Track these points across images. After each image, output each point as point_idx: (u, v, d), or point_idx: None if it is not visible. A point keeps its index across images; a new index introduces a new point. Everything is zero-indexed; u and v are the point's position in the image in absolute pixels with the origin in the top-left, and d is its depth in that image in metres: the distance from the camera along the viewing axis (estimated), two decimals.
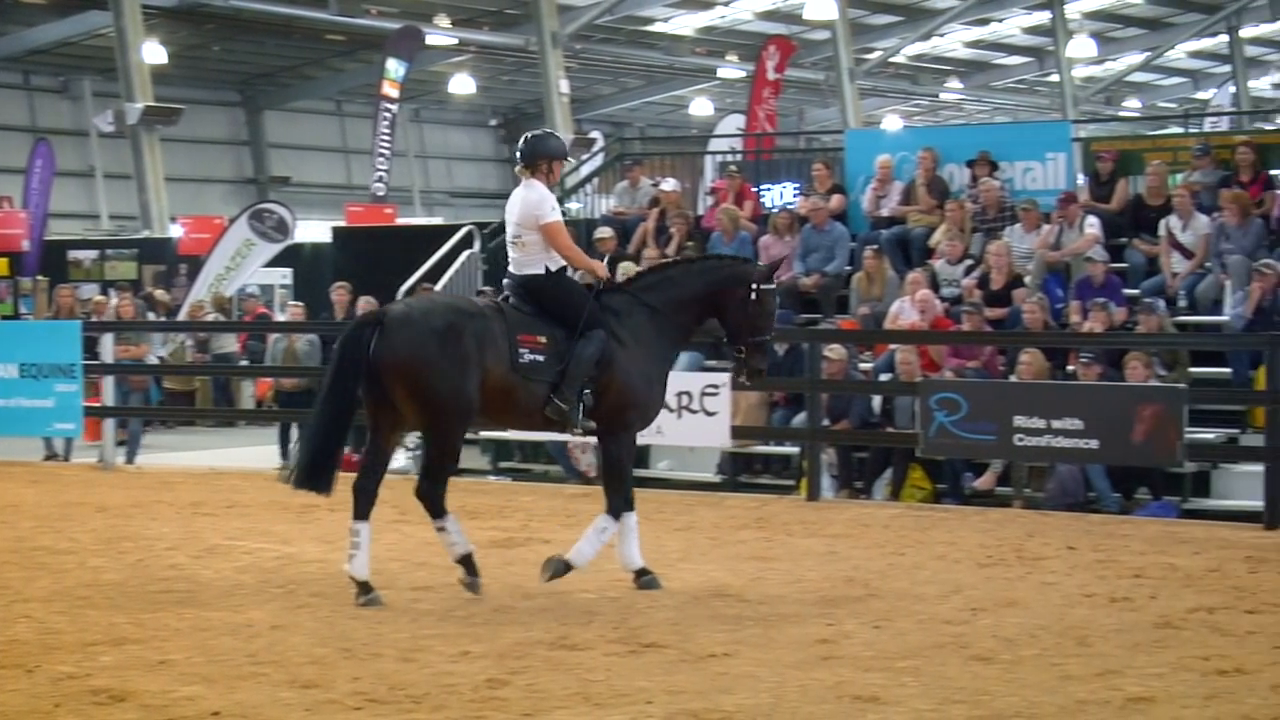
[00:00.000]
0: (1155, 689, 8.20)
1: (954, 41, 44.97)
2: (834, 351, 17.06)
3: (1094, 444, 14.88)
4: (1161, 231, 18.70)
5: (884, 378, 17.66)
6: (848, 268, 20.33)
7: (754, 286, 11.29)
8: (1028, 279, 18.46)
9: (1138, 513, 15.75)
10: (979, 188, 20.18)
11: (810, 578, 11.52)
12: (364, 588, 10.50)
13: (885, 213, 20.95)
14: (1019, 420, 15.10)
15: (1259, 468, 14.96)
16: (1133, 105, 50.84)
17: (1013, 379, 16.66)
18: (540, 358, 10.81)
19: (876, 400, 17.73)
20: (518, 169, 11.36)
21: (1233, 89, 41.51)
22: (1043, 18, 40.24)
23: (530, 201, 11.08)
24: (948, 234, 19.70)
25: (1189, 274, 18.32)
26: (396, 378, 10.49)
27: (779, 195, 24.43)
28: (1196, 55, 48.40)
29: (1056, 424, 14.94)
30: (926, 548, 13.05)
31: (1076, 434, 14.88)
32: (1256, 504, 14.75)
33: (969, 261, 19.15)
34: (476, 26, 42.27)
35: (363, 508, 10.58)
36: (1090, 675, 8.52)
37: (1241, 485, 16.10)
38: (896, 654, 9.04)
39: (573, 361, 10.81)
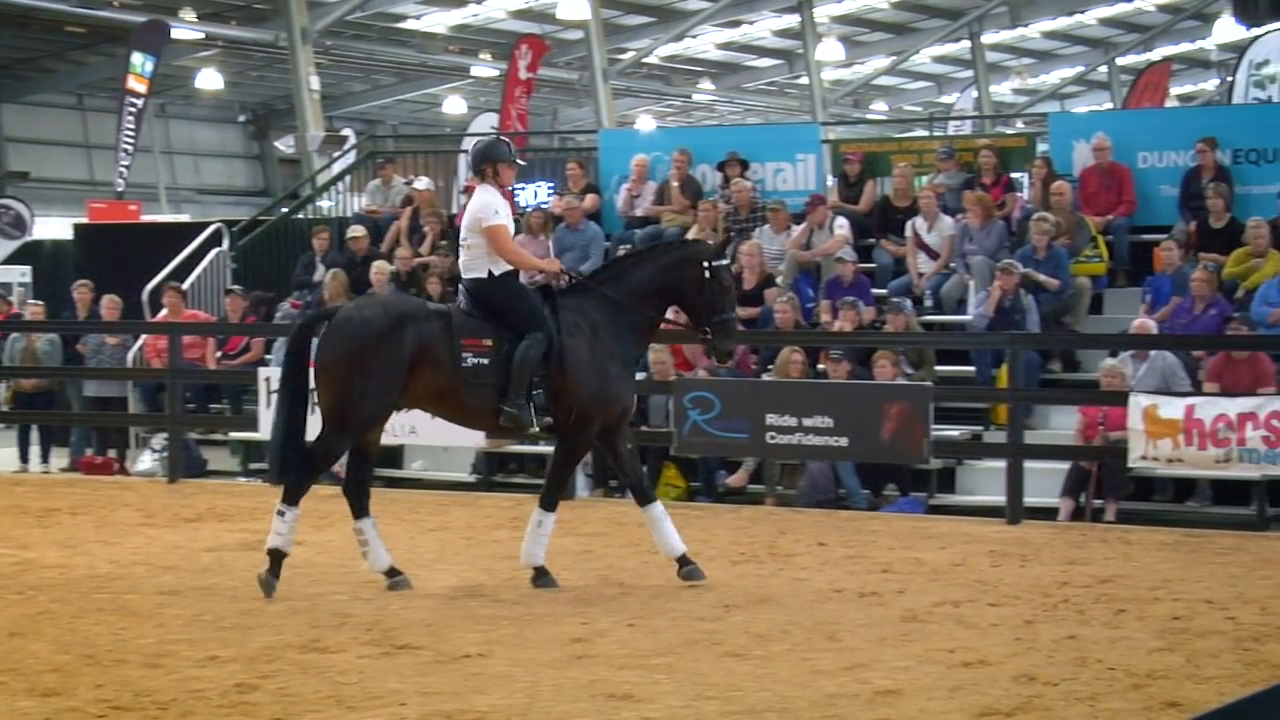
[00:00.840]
0: (902, 682, 8.35)
1: (706, 43, 45.35)
2: None
3: (843, 441, 15.12)
4: (908, 232, 19.08)
5: (639, 377, 17.73)
6: None
7: (706, 264, 11.32)
8: (779, 279, 18.71)
9: (886, 509, 16.05)
10: (731, 188, 20.38)
11: (565, 576, 11.52)
12: (390, 572, 11.06)
13: (639, 212, 21.06)
14: (771, 418, 15.28)
15: (1001, 464, 15.34)
16: (880, 108, 51.81)
17: (765, 377, 16.87)
18: (484, 361, 10.96)
19: None
20: (468, 178, 11.53)
21: (975, 94, 42.52)
22: (792, 21, 40.77)
23: (475, 206, 11.30)
24: (701, 234, 19.87)
25: (934, 274, 18.72)
26: (322, 374, 10.93)
27: (533, 195, 24.41)
28: (940, 60, 49.46)
29: (807, 422, 15.15)
30: None
31: (827, 432, 15.11)
32: (999, 499, 15.12)
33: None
34: (224, 21, 41.53)
35: (356, 507, 11.06)
36: (839, 669, 8.65)
37: (985, 481, 16.50)
38: (650, 651, 9.09)
39: (515, 364, 10.91)
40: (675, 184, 20.85)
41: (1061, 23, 45.87)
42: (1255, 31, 29.21)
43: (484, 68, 44.71)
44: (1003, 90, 48.73)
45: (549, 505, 11.32)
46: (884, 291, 18.73)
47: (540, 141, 32.79)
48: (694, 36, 43.10)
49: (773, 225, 19.56)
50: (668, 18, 40.71)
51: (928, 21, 44.27)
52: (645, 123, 44.24)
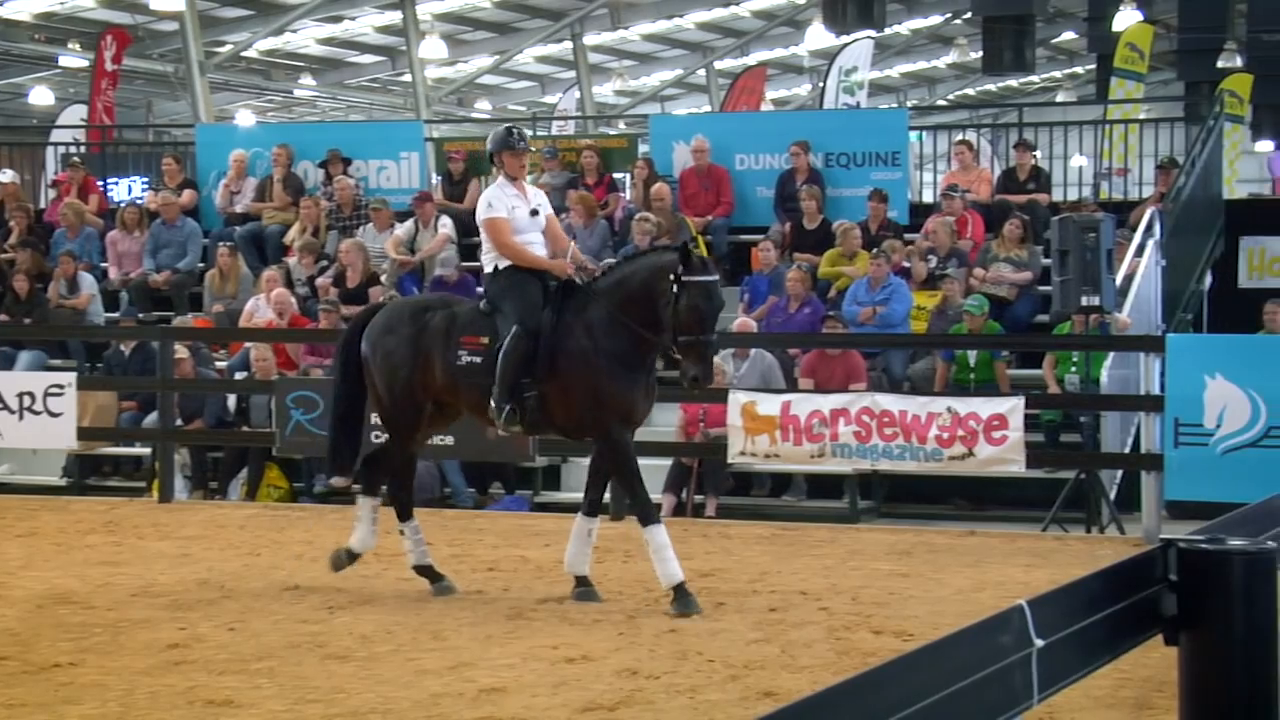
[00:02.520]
0: (507, 679, 8.38)
1: (307, 38, 44.72)
2: (185, 350, 16.76)
3: (450, 440, 15.10)
4: None
5: (239, 376, 17.46)
6: (200, 264, 20.00)
7: (672, 277, 10.28)
8: (384, 277, 18.61)
9: (492, 507, 16.13)
10: (334, 185, 20.19)
11: (162, 581, 11.25)
12: (434, 576, 11.02)
13: (239, 209, 20.71)
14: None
15: None
16: (484, 107, 51.90)
17: None
18: (477, 359, 10.66)
19: (232, 399, 17.50)
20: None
21: (578, 94, 42.99)
22: (394, 18, 40.48)
23: (478, 201, 11.20)
24: (303, 232, 19.67)
25: None
26: (367, 368, 11.04)
27: (127, 189, 23.78)
28: (543, 60, 49.81)
29: None
30: (284, 547, 12.96)
31: None
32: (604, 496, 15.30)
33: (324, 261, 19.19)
34: None
35: (401, 510, 11.16)
36: (444, 668, 8.64)
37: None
38: (251, 656, 8.93)
39: (498, 363, 10.55)
40: (277, 180, 20.56)
41: (661, 26, 46.70)
42: (844, 39, 30.30)
43: (72, 58, 43.23)
44: (605, 92, 49.32)
45: (646, 520, 10.46)
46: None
47: (135, 135, 31.91)
48: (294, 31, 42.45)
49: (375, 223, 19.45)
50: (267, 11, 40.03)
51: (530, 22, 44.54)
52: (245, 118, 43.36)
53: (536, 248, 10.90)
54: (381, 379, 10.90)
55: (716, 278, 10.61)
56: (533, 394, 10.55)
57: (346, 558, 11.14)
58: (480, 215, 10.92)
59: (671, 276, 10.27)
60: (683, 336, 10.25)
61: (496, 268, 10.85)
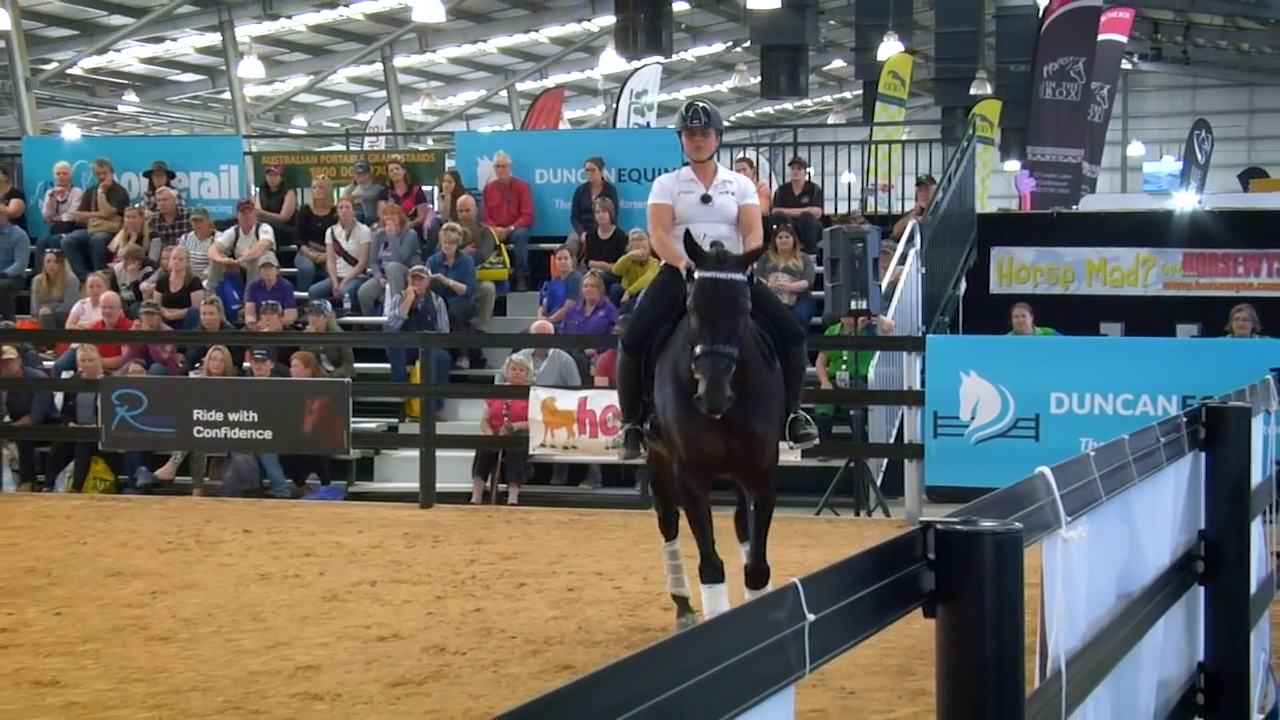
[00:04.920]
0: (322, 657, 8.30)
1: (130, 57, 43.86)
2: (11, 350, 16.37)
3: (268, 434, 14.92)
4: (328, 239, 19.02)
5: (66, 375, 17.07)
6: (28, 270, 19.53)
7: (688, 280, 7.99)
8: (205, 282, 18.33)
9: (308, 496, 15.94)
10: (157, 196, 19.87)
11: None
12: (685, 606, 9.02)
13: (65, 217, 20.27)
14: (198, 413, 14.93)
15: (415, 453, 15.45)
16: (300, 124, 51.29)
17: (193, 375, 16.50)
18: None
19: (59, 396, 17.11)
20: None
21: (388, 112, 42.66)
22: (214, 39, 39.91)
23: None
24: (127, 240, 19.30)
25: (353, 278, 18.72)
26: None
27: None
28: (356, 80, 49.36)
29: (233, 416, 14.87)
30: (109, 536, 12.68)
31: (252, 425, 14.86)
32: (413, 486, 15.21)
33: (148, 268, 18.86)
34: None
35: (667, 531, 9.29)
36: (263, 648, 8.53)
37: (400, 469, 16.61)
38: (77, 639, 8.74)
39: None
40: (101, 191, 20.16)
41: (466, 50, 46.56)
42: (635, 64, 30.43)
43: None
44: (414, 110, 49.01)
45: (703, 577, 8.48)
46: (305, 294, 18.59)
47: None
48: (118, 50, 41.61)
49: (197, 232, 19.16)
50: (91, 31, 39.20)
51: (343, 44, 44.16)
52: (70, 131, 42.34)
53: (705, 243, 8.09)
54: None
55: (722, 275, 7.79)
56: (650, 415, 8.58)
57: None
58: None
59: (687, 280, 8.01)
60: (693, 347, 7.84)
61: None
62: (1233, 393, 5.78)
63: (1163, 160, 56.91)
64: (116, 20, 38.71)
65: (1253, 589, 5.60)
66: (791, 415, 8.43)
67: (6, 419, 16.25)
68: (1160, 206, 25.63)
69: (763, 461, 8.36)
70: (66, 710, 7.29)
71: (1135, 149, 61.44)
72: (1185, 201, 28.93)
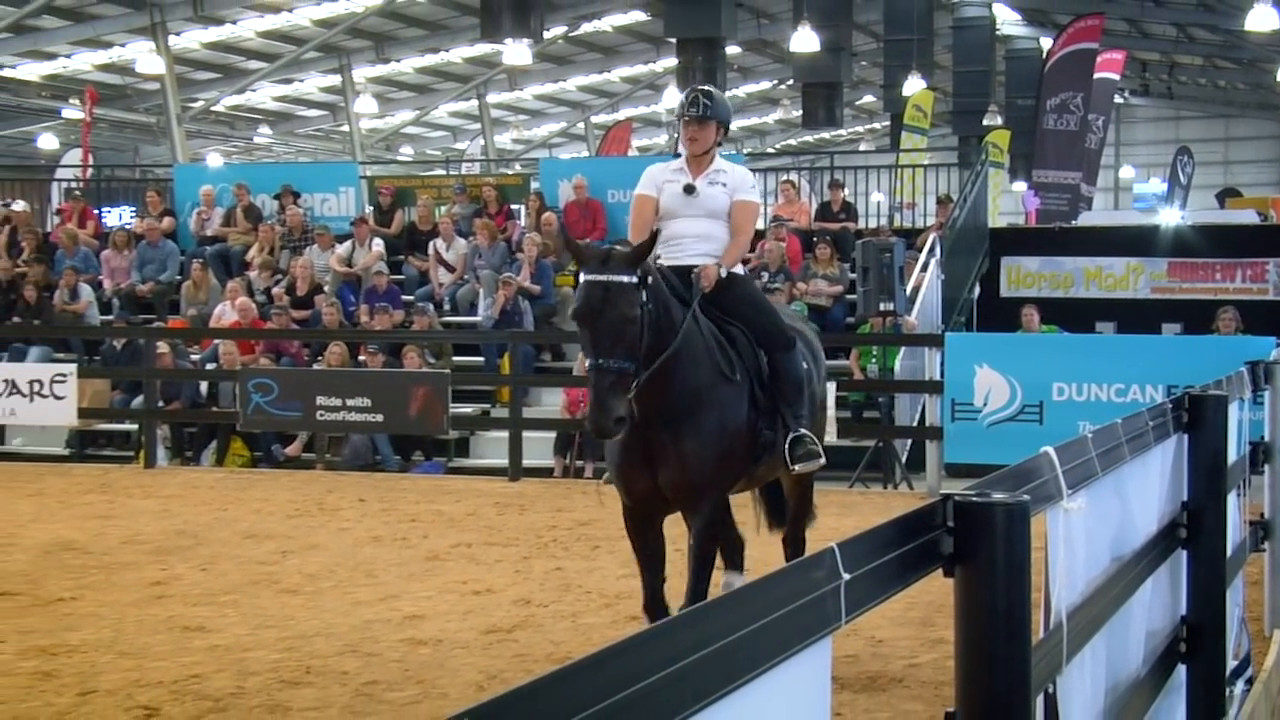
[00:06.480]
0: (425, 608, 8.35)
1: (264, 96, 44.27)
2: (165, 346, 16.53)
3: (380, 417, 14.99)
4: (430, 251, 19.07)
5: (210, 367, 17.23)
6: (178, 277, 19.71)
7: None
8: (326, 287, 18.43)
9: (414, 471, 16.00)
10: (286, 214, 20.02)
11: (147, 532, 11.07)
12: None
13: (209, 233, 20.44)
14: (320, 399, 15.02)
15: (504, 434, 15.47)
16: (407, 151, 51.57)
17: (316, 366, 16.60)
18: None
19: (204, 385, 17.26)
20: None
21: (482, 142, 42.78)
22: (335, 80, 40.25)
23: None
24: (261, 251, 19.44)
25: (452, 284, 18.77)
26: None
27: (118, 217, 23.35)
28: (455, 114, 49.57)
29: (350, 402, 14.95)
30: (245, 504, 12.79)
31: (366, 410, 14.94)
32: (503, 462, 15.25)
33: (279, 275, 18.99)
34: None
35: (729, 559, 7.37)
36: (375, 600, 8.59)
37: (492, 447, 16.65)
38: (219, 590, 8.83)
39: None
40: (239, 210, 20.34)
41: (549, 88, 46.69)
42: None
43: (74, 111, 42.35)
44: (504, 140, 49.15)
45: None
46: (411, 298, 18.66)
47: (124, 173, 31.26)
48: (254, 90, 42.02)
49: (319, 244, 19.26)
50: (231, 74, 39.60)
51: (444, 84, 44.40)
52: (214, 159, 42.76)
53: (690, 239, 6.56)
54: None
55: (602, 278, 5.80)
56: None
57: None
58: None
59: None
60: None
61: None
62: (1211, 382, 5.71)
63: (1150, 182, 56.23)
64: (253, 65, 39.14)
65: (1229, 552, 5.53)
66: (791, 434, 6.50)
67: (160, 404, 16.41)
68: (1148, 222, 25.31)
69: (700, 490, 6.26)
70: (210, 651, 7.36)
71: (1126, 172, 60.78)
72: (1170, 218, 28.59)
